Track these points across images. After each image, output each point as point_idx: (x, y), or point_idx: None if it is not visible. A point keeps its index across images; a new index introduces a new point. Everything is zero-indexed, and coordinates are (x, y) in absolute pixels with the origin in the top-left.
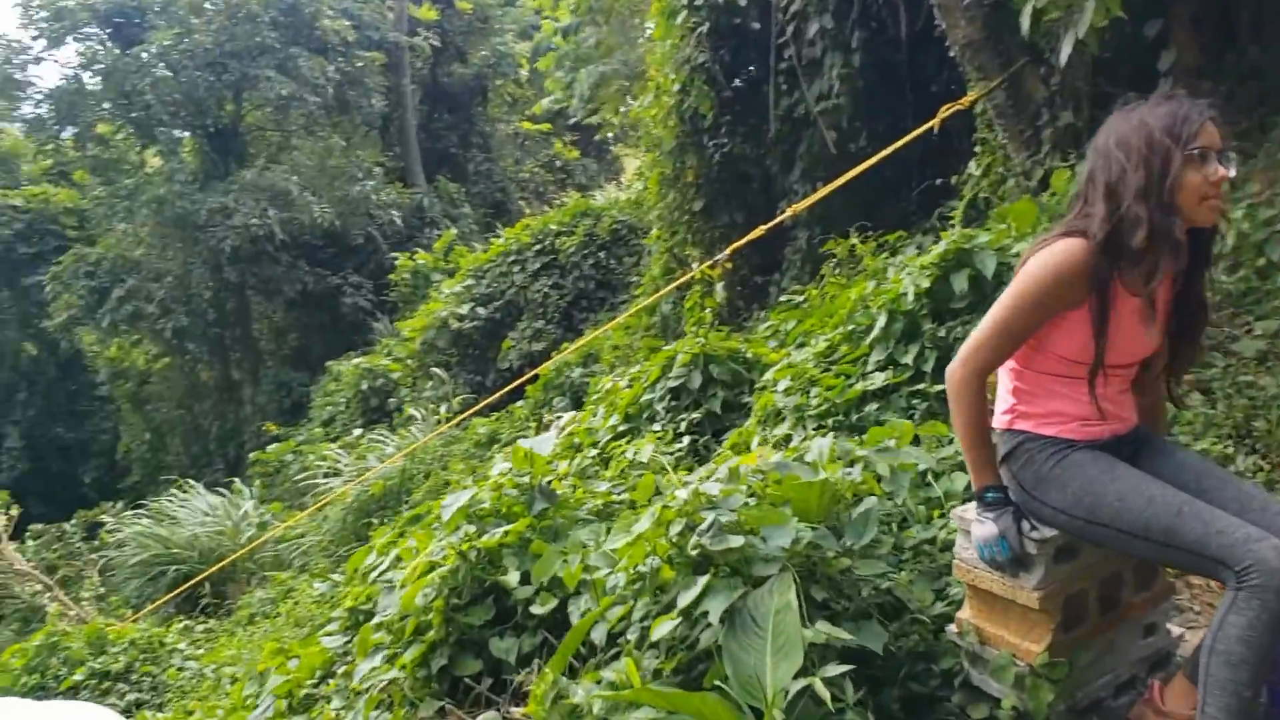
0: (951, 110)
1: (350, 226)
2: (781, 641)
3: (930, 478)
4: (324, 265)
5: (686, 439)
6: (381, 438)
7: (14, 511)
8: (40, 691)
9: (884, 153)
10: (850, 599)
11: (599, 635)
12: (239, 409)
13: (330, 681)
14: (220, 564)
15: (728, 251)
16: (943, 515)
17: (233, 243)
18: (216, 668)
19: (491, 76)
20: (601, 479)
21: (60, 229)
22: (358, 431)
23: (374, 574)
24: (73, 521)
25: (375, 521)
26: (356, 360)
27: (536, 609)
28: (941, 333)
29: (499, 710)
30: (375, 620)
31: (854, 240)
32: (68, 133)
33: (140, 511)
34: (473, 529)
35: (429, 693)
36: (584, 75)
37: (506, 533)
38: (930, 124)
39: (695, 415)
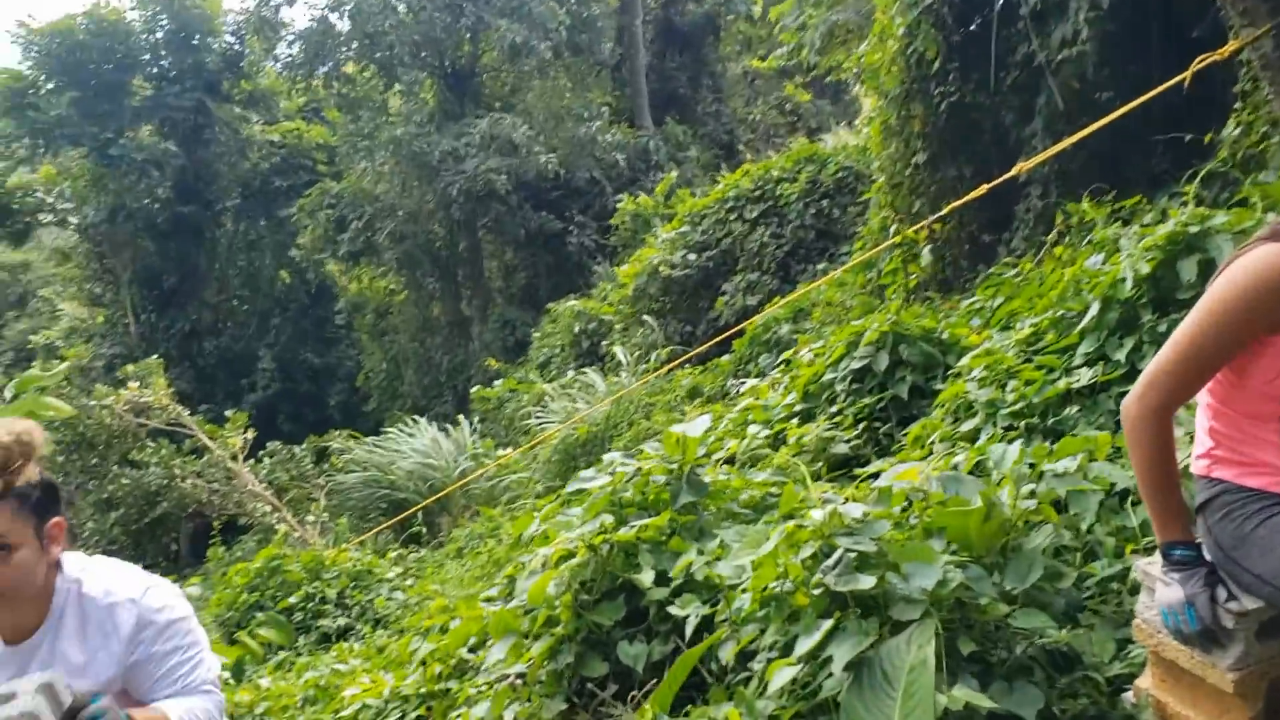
0: (1208, 61)
1: (576, 169)
2: (913, 705)
3: (1128, 503)
4: (550, 208)
5: (866, 425)
6: (591, 382)
7: (250, 434)
8: (257, 610)
9: (1130, 105)
10: (1008, 649)
11: (727, 654)
12: (467, 344)
13: (479, 653)
14: (434, 496)
15: (943, 211)
16: (1137, 551)
17: (462, 186)
18: (420, 600)
19: (724, 14)
20: (765, 465)
21: (312, 164)
22: (570, 374)
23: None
24: (303, 446)
25: (580, 465)
26: (572, 303)
27: (675, 610)
28: (1162, 326)
29: None
30: (511, 605)
31: (1085, 205)
32: (321, 71)
33: (365, 442)
34: (610, 519)
35: (555, 690)
36: (815, 24)
37: (644, 527)
38: (1183, 76)
39: (879, 400)
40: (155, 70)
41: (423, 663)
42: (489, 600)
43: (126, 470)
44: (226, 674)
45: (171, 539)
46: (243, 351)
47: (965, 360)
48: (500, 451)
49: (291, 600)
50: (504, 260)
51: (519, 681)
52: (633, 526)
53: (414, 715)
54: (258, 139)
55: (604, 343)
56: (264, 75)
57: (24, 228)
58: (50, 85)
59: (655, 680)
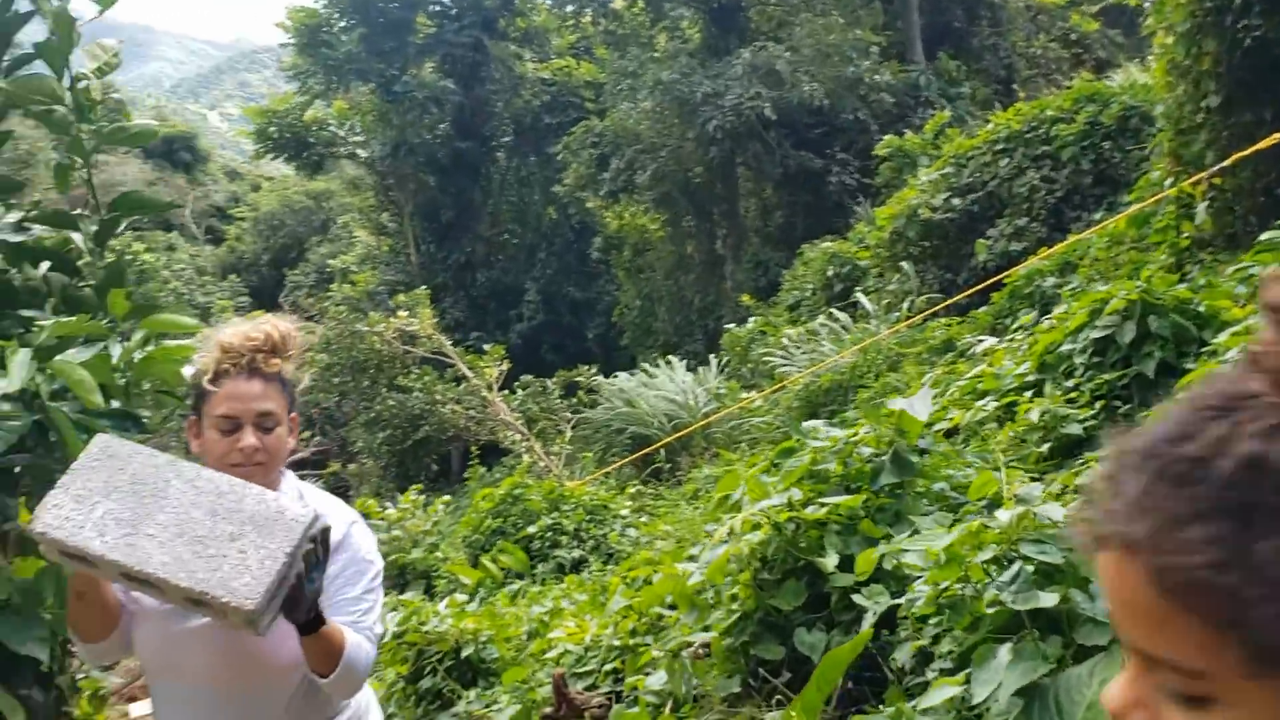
0: None
1: (840, 106)
2: None
3: None
4: (811, 146)
5: (1104, 404)
6: (839, 327)
7: (505, 365)
8: (499, 536)
9: None
10: None
11: (904, 654)
12: (720, 284)
13: (674, 613)
14: (676, 435)
15: (1226, 161)
16: None
17: (720, 122)
18: (650, 540)
19: None
20: (988, 443)
21: (580, 101)
22: (820, 319)
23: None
24: (554, 380)
25: (822, 415)
26: (826, 245)
27: (860, 600)
28: None
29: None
30: (694, 577)
31: None
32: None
33: (614, 378)
34: (798, 495)
35: (732, 669)
36: None
37: (834, 508)
38: None
39: (1120, 376)
40: (437, 8)
41: (621, 615)
42: (691, 560)
43: (394, 394)
44: (464, 596)
45: (431, 459)
46: (511, 284)
47: (1223, 337)
48: (744, 394)
49: (531, 530)
50: (761, 199)
51: (703, 651)
52: (823, 505)
53: (608, 668)
54: (530, 77)
55: (856, 288)
56: (536, 12)
57: (319, 159)
58: (342, 23)
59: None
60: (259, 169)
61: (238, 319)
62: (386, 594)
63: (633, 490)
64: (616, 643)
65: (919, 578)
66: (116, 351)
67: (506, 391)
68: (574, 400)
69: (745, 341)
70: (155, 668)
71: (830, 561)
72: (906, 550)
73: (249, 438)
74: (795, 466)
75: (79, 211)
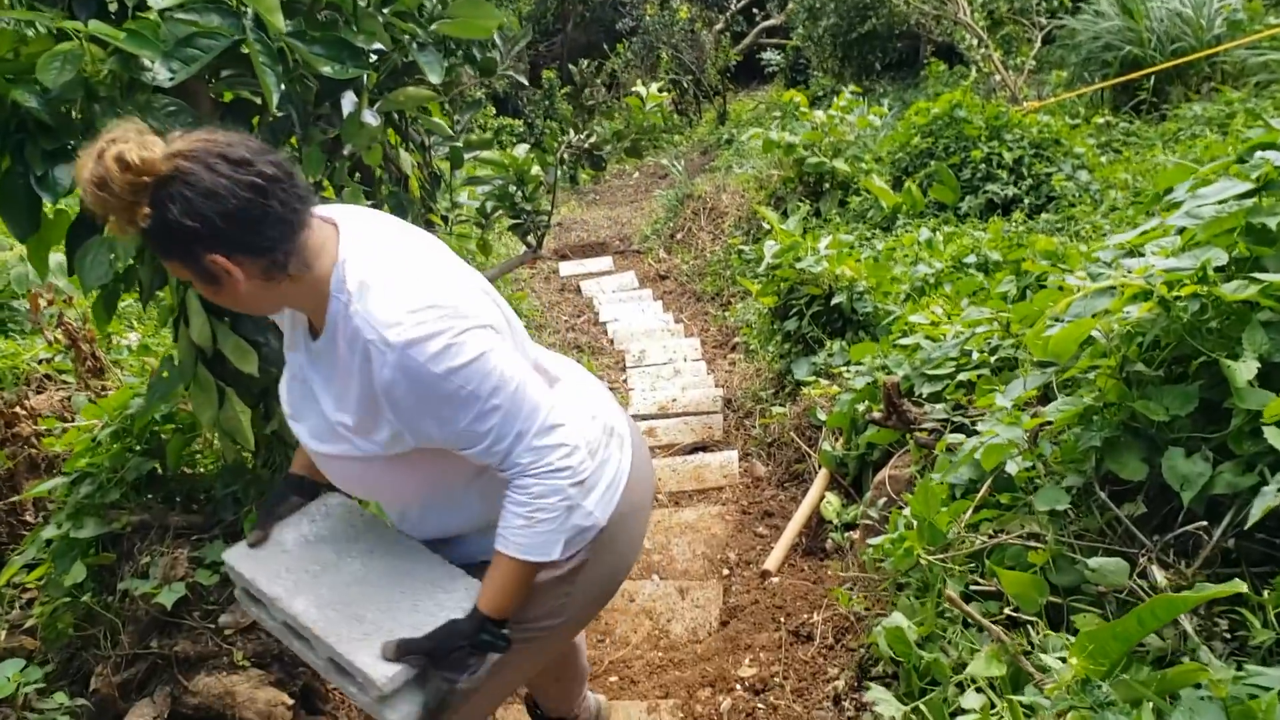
0: None
1: None
2: None
3: None
4: None
5: None
6: None
7: None
8: (928, 158)
9: None
10: None
11: None
12: None
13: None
14: (1174, 61)
15: None
16: None
17: None
18: (1103, 188)
19: None
20: None
21: None
22: None
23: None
24: None
25: None
26: None
27: (1273, 437)
28: None
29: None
30: (1051, 329)
31: None
32: None
33: None
34: (1220, 259)
35: (1069, 472)
36: None
37: (1271, 287)
38: None
39: None
40: None
41: (987, 323)
42: (1096, 264)
43: None
44: (848, 237)
45: (876, 57)
46: None
47: None
48: (1271, 20)
49: (963, 157)
50: None
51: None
52: (1255, 280)
53: (962, 378)
54: None
55: None
56: None
57: None
58: None
59: (1199, 528)
60: None
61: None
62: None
63: (1100, 121)
64: (976, 355)
65: None
66: None
67: None
68: (1052, 3)
69: None
70: None
71: (1244, 368)
72: None
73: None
74: (1222, 214)
75: None
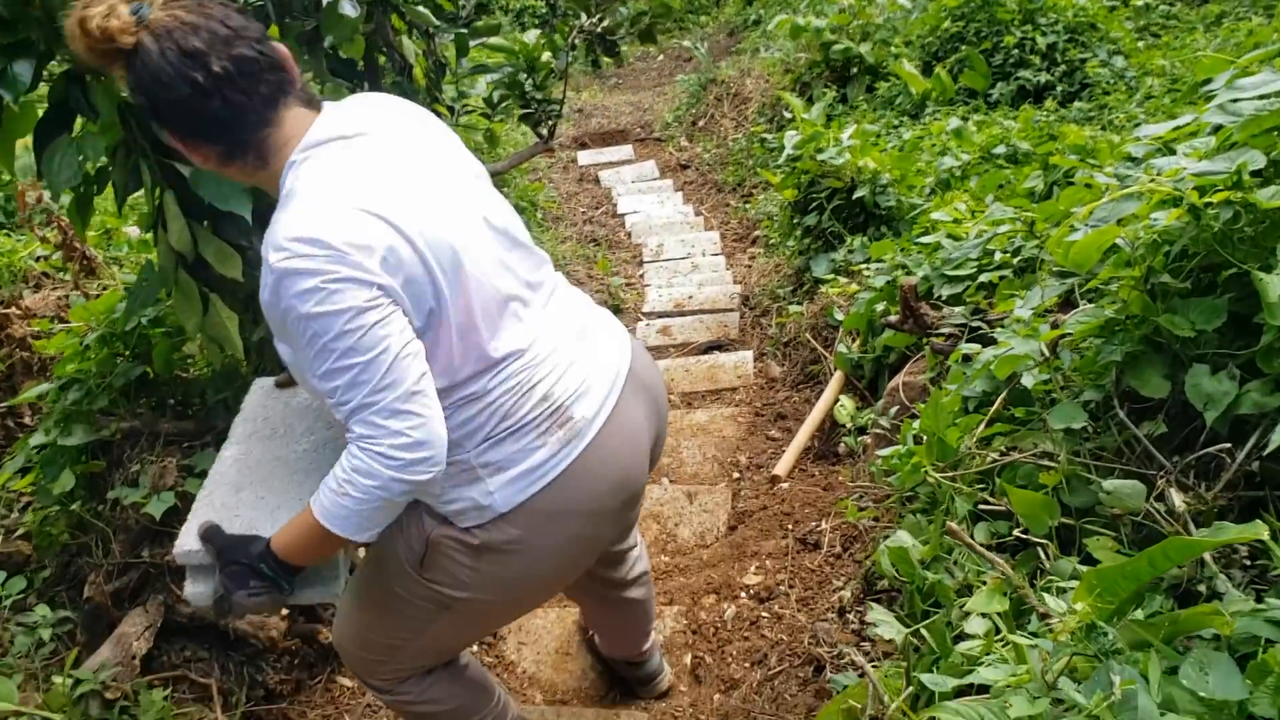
0: None
1: None
2: None
3: None
4: None
5: None
6: None
7: None
8: (958, 42)
9: None
10: None
11: None
12: None
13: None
14: None
15: None
16: None
17: None
18: (1139, 75)
19: None
20: None
21: None
22: None
23: None
24: None
25: None
26: None
27: None
28: None
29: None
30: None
31: None
32: None
33: None
34: (1258, 161)
35: (1090, 386)
36: None
37: None
38: None
39: None
40: None
41: (1009, 223)
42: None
43: None
44: (874, 127)
45: None
46: None
47: None
48: None
49: (995, 42)
50: None
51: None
52: None
53: (983, 279)
54: None
55: None
56: None
57: None
58: None
59: (1222, 450)
60: None
61: None
62: None
63: (1139, 3)
64: (998, 256)
65: None
66: None
67: None
68: None
69: None
70: None
71: (1277, 281)
72: None
73: None
74: (1259, 112)
75: None
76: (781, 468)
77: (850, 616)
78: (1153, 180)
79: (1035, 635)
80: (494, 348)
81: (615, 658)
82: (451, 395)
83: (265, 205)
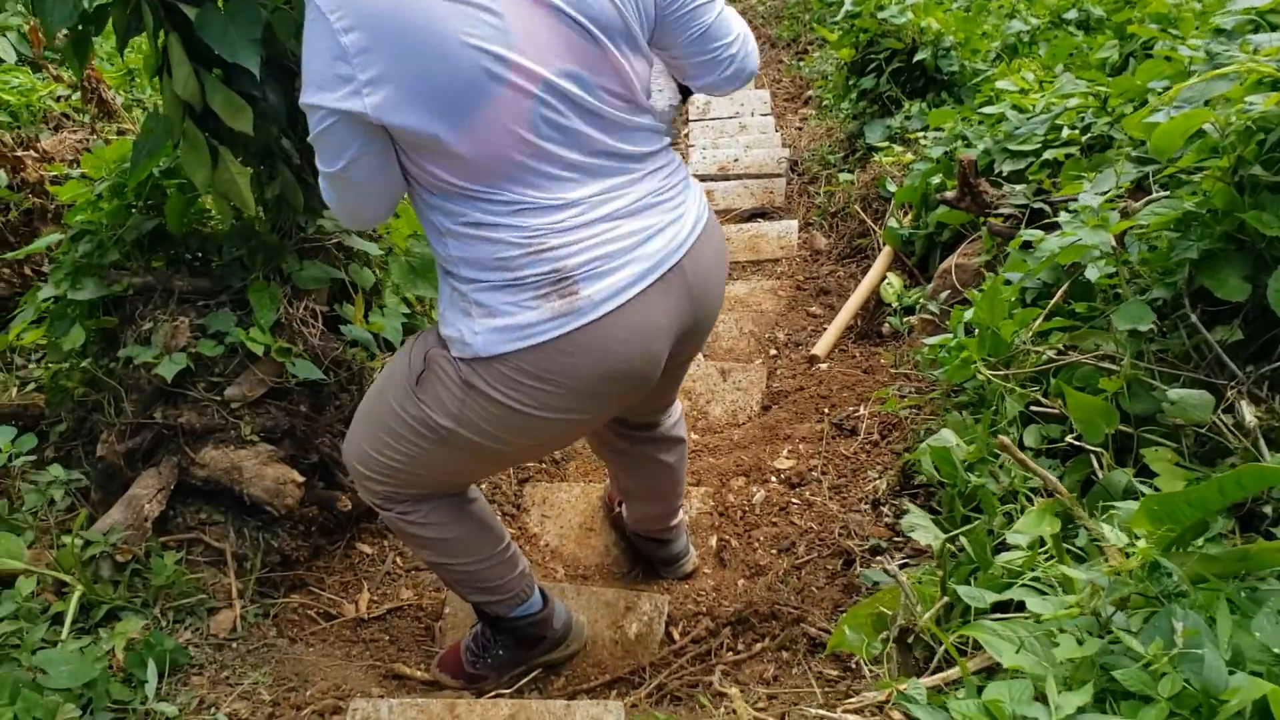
0: None
1: None
2: None
3: None
4: None
5: None
6: None
7: None
8: None
9: None
10: None
11: None
12: None
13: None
14: None
15: None
16: None
17: None
18: None
19: None
20: None
21: None
22: None
23: None
24: None
25: None
26: None
27: None
28: None
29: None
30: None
31: None
32: None
33: None
34: None
35: (1156, 283)
36: None
37: None
38: None
39: None
40: None
41: (1081, 97)
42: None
43: None
44: None
45: None
46: None
47: None
48: None
49: None
50: None
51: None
52: None
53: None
54: None
55: None
56: None
57: None
58: None
59: None
60: None
61: None
62: None
63: None
64: (1066, 132)
65: None
66: None
67: None
68: None
69: None
70: None
71: None
72: None
73: None
74: None
75: None
76: (821, 347)
77: (884, 510)
78: (1251, 59)
79: (1085, 556)
80: (522, 193)
81: (641, 533)
82: (464, 203)
83: (276, 56)
